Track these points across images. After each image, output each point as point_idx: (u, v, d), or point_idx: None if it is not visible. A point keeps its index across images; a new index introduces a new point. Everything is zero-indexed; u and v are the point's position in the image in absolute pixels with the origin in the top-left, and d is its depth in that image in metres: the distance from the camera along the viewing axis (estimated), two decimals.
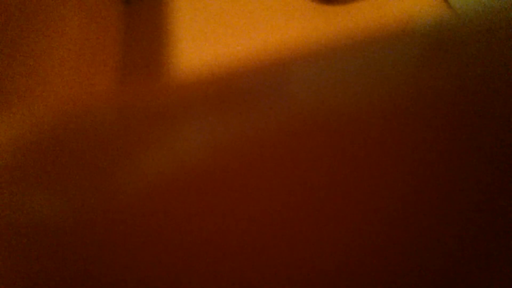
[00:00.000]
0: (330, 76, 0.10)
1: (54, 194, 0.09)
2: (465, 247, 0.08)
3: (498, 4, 0.11)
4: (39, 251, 0.08)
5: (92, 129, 0.10)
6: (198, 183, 0.09)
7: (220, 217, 0.08)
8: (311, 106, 0.09)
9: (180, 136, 0.09)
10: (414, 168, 0.08)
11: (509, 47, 0.10)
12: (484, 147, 0.08)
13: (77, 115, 0.11)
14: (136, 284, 0.08)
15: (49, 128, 0.10)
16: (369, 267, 0.08)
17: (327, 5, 0.33)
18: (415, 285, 0.08)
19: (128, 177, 0.09)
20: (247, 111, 0.10)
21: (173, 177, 0.09)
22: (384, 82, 0.10)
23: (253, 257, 0.08)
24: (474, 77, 0.09)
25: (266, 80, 0.10)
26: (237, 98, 0.10)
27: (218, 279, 0.08)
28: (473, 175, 0.08)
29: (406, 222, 0.08)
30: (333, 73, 0.10)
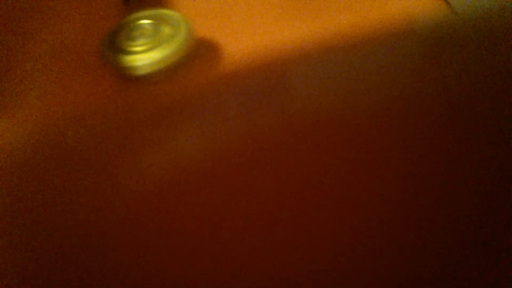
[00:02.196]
0: (330, 76, 0.10)
1: (55, 194, 0.09)
2: (464, 247, 0.08)
3: (498, 4, 0.11)
4: (40, 251, 0.08)
5: (93, 130, 0.10)
6: (199, 182, 0.09)
7: (220, 216, 0.08)
8: (311, 106, 0.09)
9: (180, 135, 0.09)
10: (413, 167, 0.08)
11: (509, 47, 0.10)
12: (484, 145, 0.08)
13: (77, 115, 0.11)
14: (136, 281, 0.08)
15: (50, 129, 0.10)
16: (367, 266, 0.08)
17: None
18: (414, 285, 0.08)
19: (128, 177, 0.09)
20: (246, 111, 0.10)
21: (174, 176, 0.09)
22: (383, 82, 0.10)
23: (251, 255, 0.08)
24: (473, 76, 0.09)
25: (265, 79, 0.10)
26: (237, 98, 0.10)
27: (216, 275, 0.08)
28: (473, 174, 0.08)
29: (405, 221, 0.08)
30: (332, 73, 0.10)
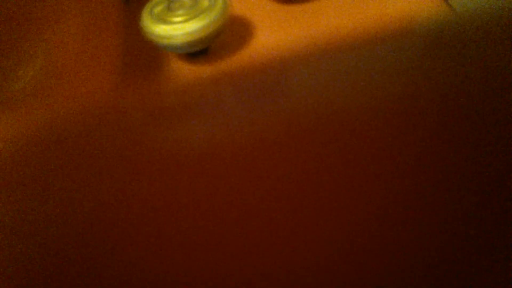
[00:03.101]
0: (330, 76, 0.10)
1: (55, 192, 0.09)
2: (464, 246, 0.08)
3: (497, 4, 0.11)
4: (41, 251, 0.08)
5: (93, 129, 0.10)
6: (199, 180, 0.09)
7: (220, 214, 0.08)
8: (310, 105, 0.09)
9: (180, 134, 0.09)
10: (412, 166, 0.08)
11: (508, 46, 0.10)
12: (484, 144, 0.08)
13: (77, 115, 0.11)
14: (138, 278, 0.08)
15: (51, 128, 0.10)
16: (366, 266, 0.08)
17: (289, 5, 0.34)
18: (414, 284, 0.08)
19: (128, 176, 0.09)
20: (245, 110, 0.10)
21: (173, 175, 0.09)
22: (383, 81, 0.10)
23: (251, 253, 0.08)
24: (473, 76, 0.09)
25: (264, 79, 0.10)
26: (235, 97, 0.10)
27: (215, 272, 0.08)
28: (472, 173, 0.08)
29: (404, 221, 0.08)
30: (332, 73, 0.10)
